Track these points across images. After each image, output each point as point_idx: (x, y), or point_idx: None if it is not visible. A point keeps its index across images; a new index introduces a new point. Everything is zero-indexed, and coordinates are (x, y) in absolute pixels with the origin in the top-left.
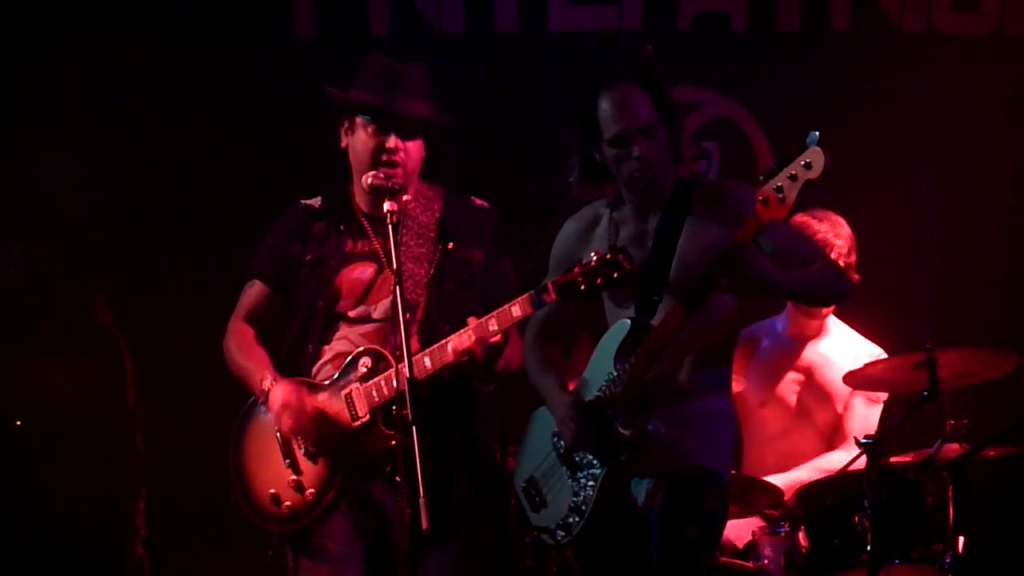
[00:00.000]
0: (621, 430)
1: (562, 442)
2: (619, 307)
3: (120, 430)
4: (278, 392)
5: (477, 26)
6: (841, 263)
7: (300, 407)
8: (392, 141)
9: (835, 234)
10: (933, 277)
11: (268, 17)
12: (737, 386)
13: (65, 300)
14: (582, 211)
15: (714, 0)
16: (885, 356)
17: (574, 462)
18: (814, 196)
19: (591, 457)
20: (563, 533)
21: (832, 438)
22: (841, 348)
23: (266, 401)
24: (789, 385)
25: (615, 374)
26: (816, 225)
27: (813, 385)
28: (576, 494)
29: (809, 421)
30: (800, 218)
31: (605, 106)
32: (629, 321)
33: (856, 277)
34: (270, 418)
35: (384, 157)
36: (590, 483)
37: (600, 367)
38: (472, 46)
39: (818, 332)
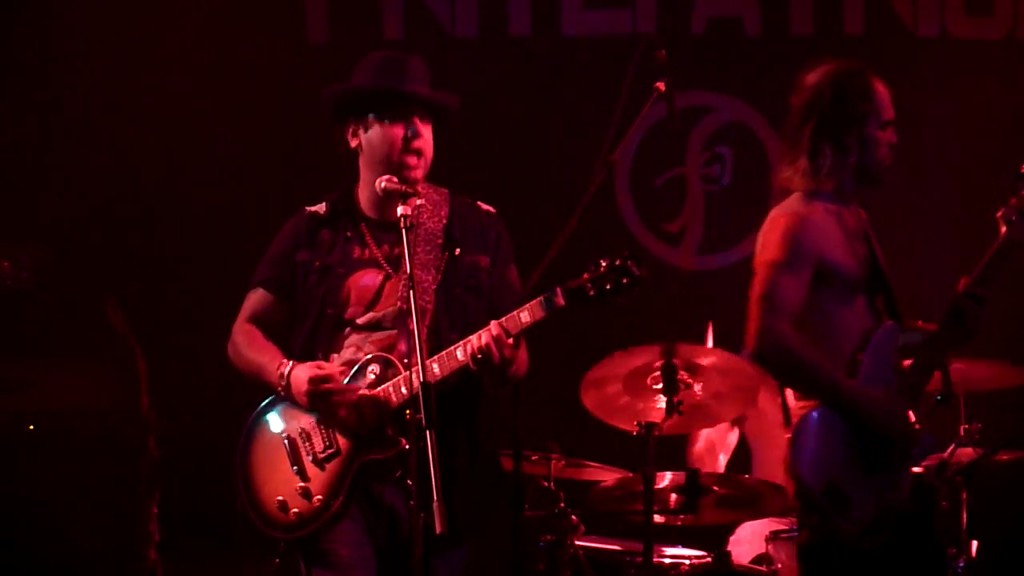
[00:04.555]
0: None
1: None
2: (845, 304)
3: (133, 434)
4: (302, 370)
5: (491, 30)
6: None
7: (329, 373)
8: (414, 126)
9: None
10: (945, 282)
11: (281, 22)
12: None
13: (78, 304)
14: (805, 204)
15: (728, 5)
16: None
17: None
18: None
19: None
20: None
21: None
22: None
23: (287, 387)
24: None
25: (905, 371)
26: None
27: None
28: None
29: None
30: None
31: (881, 90)
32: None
33: None
34: (277, 425)
35: (409, 145)
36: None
37: (883, 365)
38: (486, 50)
39: None
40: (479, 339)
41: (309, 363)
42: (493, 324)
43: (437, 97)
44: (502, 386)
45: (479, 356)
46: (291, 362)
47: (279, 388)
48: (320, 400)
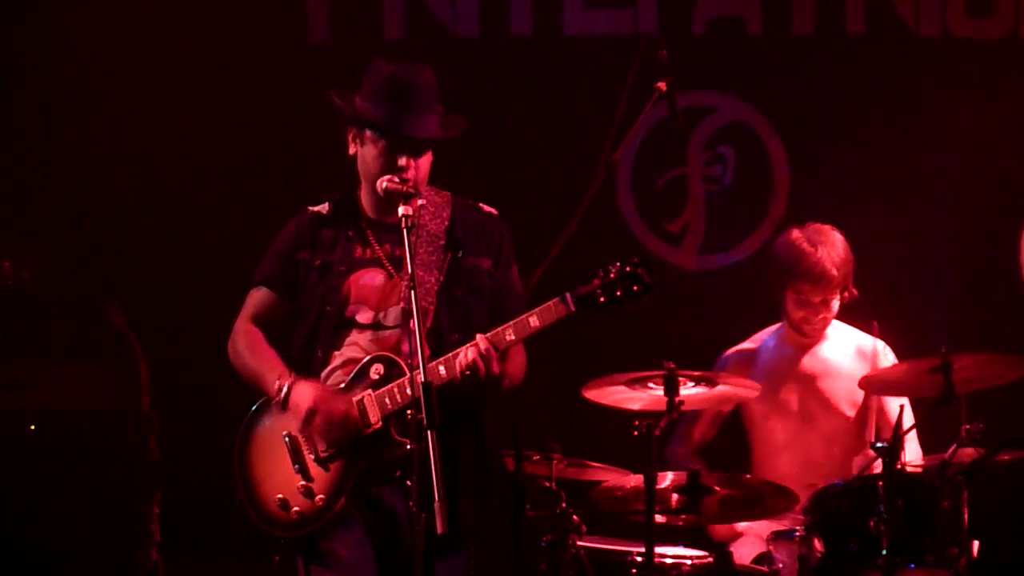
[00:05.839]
0: None
1: None
2: None
3: (134, 434)
4: (304, 392)
5: (492, 30)
6: (837, 290)
7: (329, 407)
8: (403, 160)
9: (832, 263)
10: (949, 281)
11: (283, 22)
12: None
13: (78, 304)
14: None
15: (729, 5)
16: (883, 346)
17: None
18: (826, 200)
19: None
20: None
21: (845, 443)
22: (840, 353)
23: (284, 402)
24: (791, 395)
25: None
26: (813, 256)
27: (815, 393)
28: None
29: (815, 429)
30: (797, 241)
31: None
32: None
33: (855, 293)
34: (276, 423)
35: (398, 173)
36: None
37: None
38: (487, 50)
39: (816, 341)
40: (466, 354)
41: (312, 385)
42: (480, 339)
43: (435, 138)
44: (495, 396)
45: (467, 372)
46: (291, 378)
47: (275, 401)
48: (311, 426)
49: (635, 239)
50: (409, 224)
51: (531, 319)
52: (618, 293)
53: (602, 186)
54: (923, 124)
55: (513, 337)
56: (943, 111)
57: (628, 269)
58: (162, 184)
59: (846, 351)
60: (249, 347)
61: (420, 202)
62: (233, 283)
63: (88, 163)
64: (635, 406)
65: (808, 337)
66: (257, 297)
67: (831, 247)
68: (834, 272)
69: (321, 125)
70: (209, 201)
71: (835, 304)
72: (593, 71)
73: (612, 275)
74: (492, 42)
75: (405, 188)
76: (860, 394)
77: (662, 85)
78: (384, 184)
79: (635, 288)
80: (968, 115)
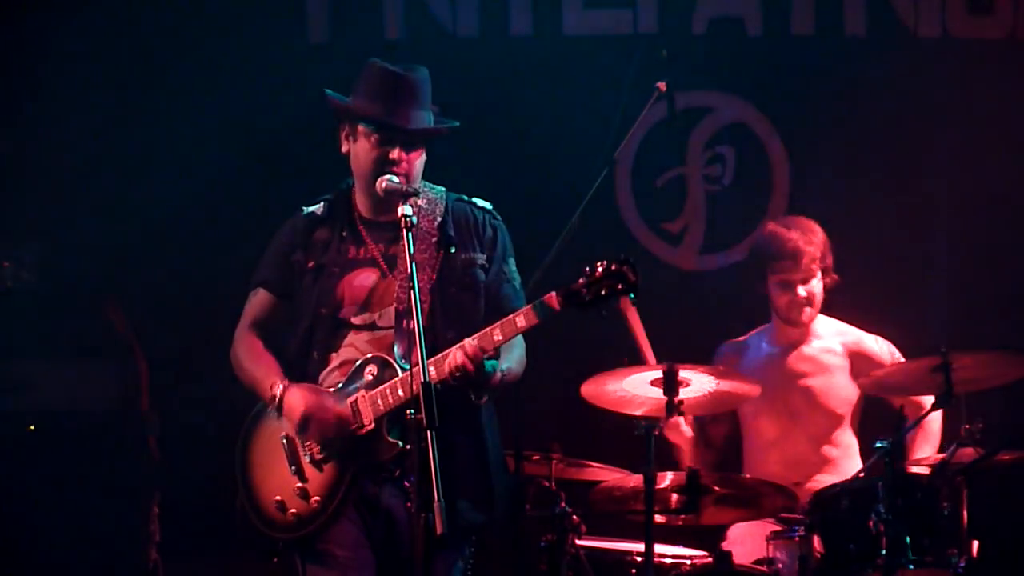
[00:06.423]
0: None
1: None
2: None
3: (134, 434)
4: (296, 397)
5: (491, 30)
6: (816, 267)
7: (323, 411)
8: (395, 153)
9: (806, 240)
10: (948, 281)
11: (282, 22)
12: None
13: (78, 304)
14: None
15: (729, 5)
16: (872, 340)
17: None
18: (826, 200)
19: None
20: None
21: (831, 441)
22: (825, 351)
23: (279, 407)
24: (779, 393)
25: None
26: (786, 234)
27: (801, 392)
28: None
29: (801, 427)
30: (771, 227)
31: None
32: None
33: (836, 277)
34: (275, 425)
35: (387, 168)
36: None
37: None
38: (486, 50)
39: (803, 339)
40: (455, 358)
41: (304, 390)
42: (467, 342)
43: (427, 131)
44: (484, 396)
45: (457, 375)
46: (283, 384)
47: (271, 407)
48: (306, 431)
49: (634, 239)
50: (410, 225)
51: (518, 319)
52: (603, 292)
53: (601, 186)
54: (923, 124)
55: (500, 337)
56: (943, 111)
57: (613, 267)
58: (162, 184)
59: (833, 348)
60: (248, 354)
61: (420, 202)
62: (233, 283)
63: (88, 162)
64: (638, 411)
65: (795, 324)
66: (255, 301)
67: (805, 229)
68: (809, 248)
69: (321, 125)
70: (209, 201)
71: (816, 285)
72: (593, 71)
73: (597, 274)
74: (491, 42)
75: (405, 188)
76: (847, 392)
77: (662, 85)
78: (384, 184)
79: (619, 287)
80: (967, 115)
